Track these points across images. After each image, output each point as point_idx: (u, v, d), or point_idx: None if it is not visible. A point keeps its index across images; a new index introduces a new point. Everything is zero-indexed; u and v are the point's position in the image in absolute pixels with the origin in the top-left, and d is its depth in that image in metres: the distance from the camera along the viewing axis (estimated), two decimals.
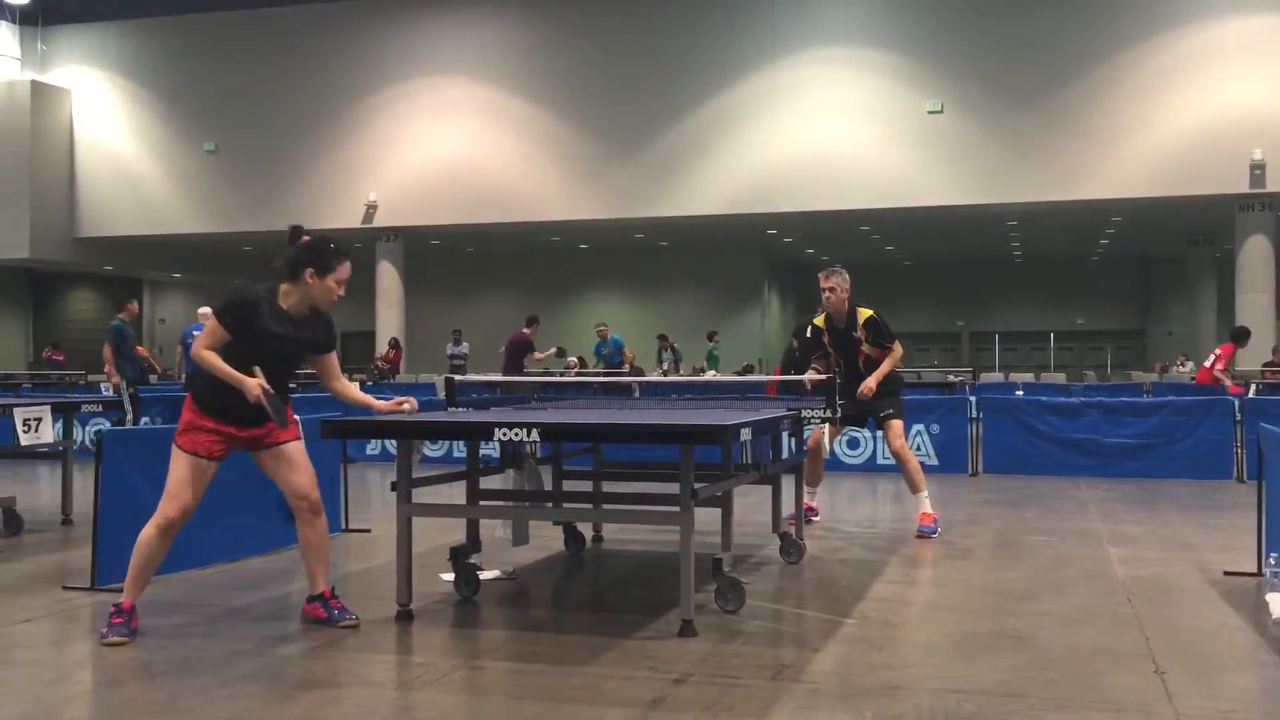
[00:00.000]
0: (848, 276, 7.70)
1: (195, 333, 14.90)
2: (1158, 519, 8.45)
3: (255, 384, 4.77)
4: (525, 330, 17.48)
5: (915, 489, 7.70)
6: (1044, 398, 12.62)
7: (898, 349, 7.74)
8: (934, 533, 7.54)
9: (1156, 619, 5.19)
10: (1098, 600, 5.61)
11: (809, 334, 7.97)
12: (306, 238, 4.99)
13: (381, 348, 24.66)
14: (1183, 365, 24.72)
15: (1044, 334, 35.28)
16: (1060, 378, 24.75)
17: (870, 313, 7.68)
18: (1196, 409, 11.42)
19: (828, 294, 7.62)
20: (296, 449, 5.06)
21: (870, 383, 7.53)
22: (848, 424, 8.10)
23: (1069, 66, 21.19)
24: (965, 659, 4.56)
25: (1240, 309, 21.06)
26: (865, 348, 7.65)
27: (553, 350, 18.41)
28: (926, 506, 7.67)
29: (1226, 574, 6.14)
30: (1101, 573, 6.31)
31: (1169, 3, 20.93)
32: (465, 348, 23.13)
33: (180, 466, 4.87)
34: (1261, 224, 20.86)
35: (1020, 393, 14.71)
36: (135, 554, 4.89)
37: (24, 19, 27.37)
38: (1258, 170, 20.25)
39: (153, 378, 14.92)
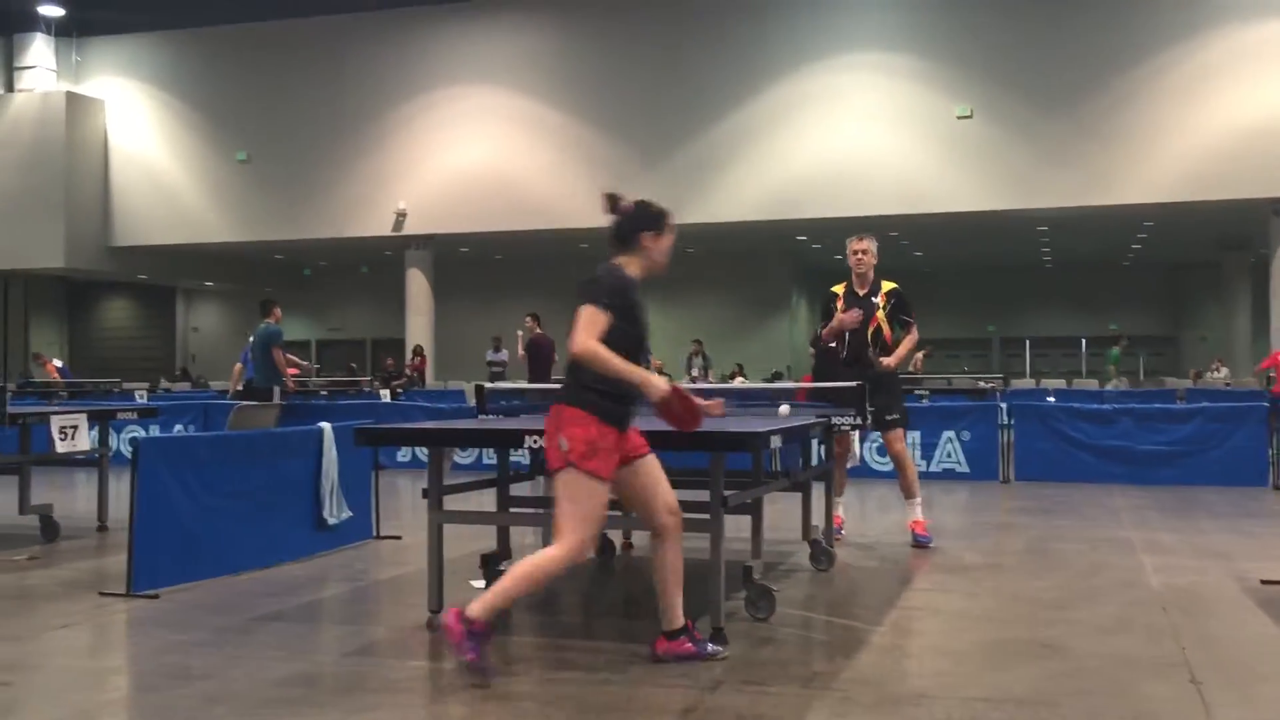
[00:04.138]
0: (877, 244, 7.70)
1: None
2: (1192, 527, 8.37)
3: (664, 381, 4.28)
4: (541, 330, 17.33)
5: (911, 494, 7.61)
6: (1076, 404, 12.53)
7: (915, 332, 7.66)
8: (930, 542, 7.45)
9: (1192, 629, 5.14)
10: (1132, 609, 5.56)
11: (824, 300, 7.87)
12: (627, 202, 4.50)
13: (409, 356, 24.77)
14: (1217, 371, 24.46)
15: (1075, 340, 35.00)
16: (1092, 384, 24.56)
17: (895, 284, 7.64)
18: (1231, 416, 11.31)
19: (860, 255, 7.57)
20: (655, 459, 4.51)
21: (892, 361, 7.45)
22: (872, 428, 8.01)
23: (1100, 71, 21.03)
24: (997, 668, 4.54)
25: (1275, 315, 20.83)
26: (880, 316, 7.54)
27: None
28: (919, 514, 7.57)
29: (1263, 583, 6.07)
30: (1136, 581, 6.26)
31: (1202, 7, 20.73)
32: (505, 354, 23.23)
33: (596, 496, 4.26)
34: None
35: (1052, 399, 14.61)
36: (527, 579, 4.24)
37: (59, 30, 27.69)
38: None
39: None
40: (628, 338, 4.32)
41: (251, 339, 14.18)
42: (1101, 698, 4.11)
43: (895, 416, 7.59)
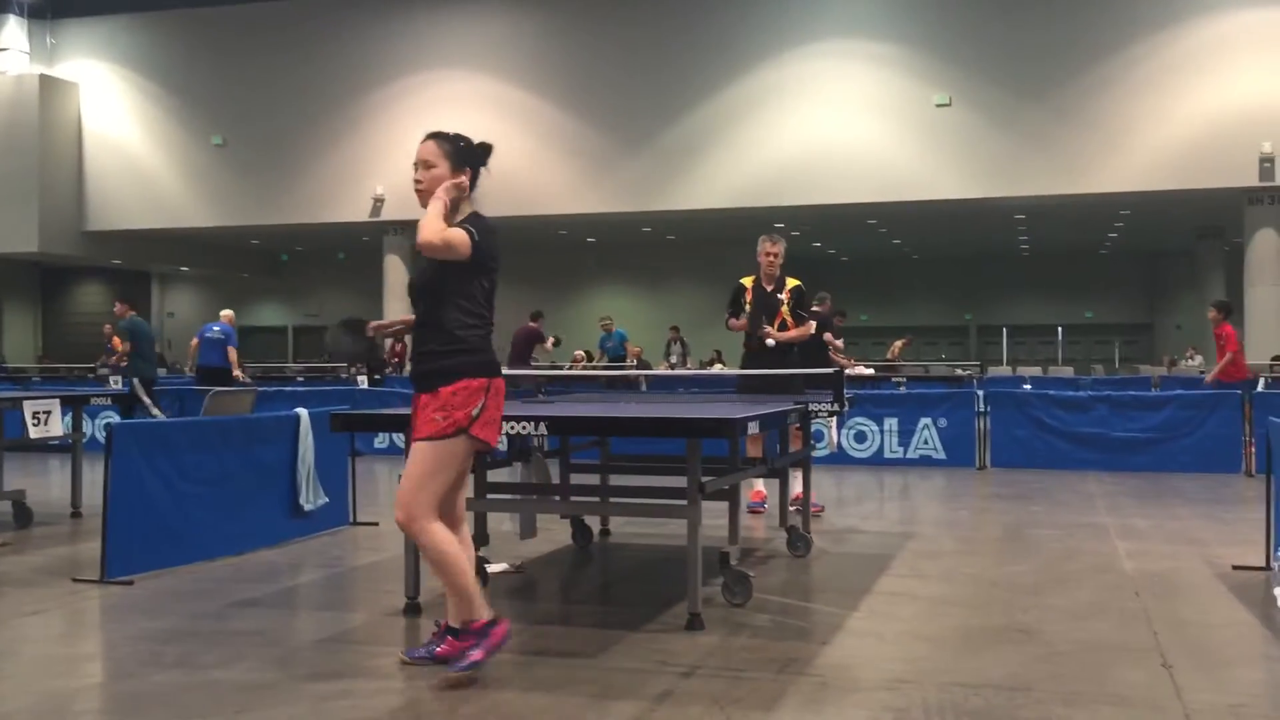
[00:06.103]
0: (786, 246, 8.25)
1: (215, 329, 14.74)
2: (1166, 513, 8.43)
3: None
4: (533, 324, 17.59)
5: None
6: (1052, 391, 12.60)
7: (810, 327, 8.21)
8: (763, 507, 8.13)
9: (1164, 613, 5.18)
10: (1105, 595, 5.60)
11: (734, 291, 8.30)
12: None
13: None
14: (1191, 358, 24.65)
15: (1051, 328, 35.18)
16: (1068, 371, 24.70)
17: (798, 282, 8.19)
18: (1205, 403, 11.40)
19: (772, 258, 8.09)
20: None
21: (777, 335, 7.88)
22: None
23: (1078, 59, 21.10)
24: (972, 653, 4.56)
25: (1249, 302, 20.99)
26: (785, 310, 8.02)
27: (551, 339, 18.36)
28: (760, 485, 8.19)
29: (1235, 568, 6.13)
30: (1109, 567, 6.30)
31: None
32: None
33: None
34: (1270, 217, 20.76)
35: (1028, 386, 14.68)
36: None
37: (33, 12, 27.39)
38: (1267, 163, 20.16)
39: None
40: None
41: (129, 328, 13.66)
42: (1075, 682, 4.14)
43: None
